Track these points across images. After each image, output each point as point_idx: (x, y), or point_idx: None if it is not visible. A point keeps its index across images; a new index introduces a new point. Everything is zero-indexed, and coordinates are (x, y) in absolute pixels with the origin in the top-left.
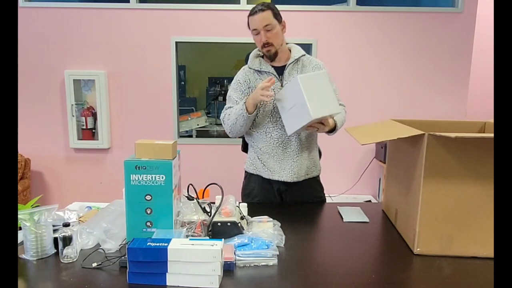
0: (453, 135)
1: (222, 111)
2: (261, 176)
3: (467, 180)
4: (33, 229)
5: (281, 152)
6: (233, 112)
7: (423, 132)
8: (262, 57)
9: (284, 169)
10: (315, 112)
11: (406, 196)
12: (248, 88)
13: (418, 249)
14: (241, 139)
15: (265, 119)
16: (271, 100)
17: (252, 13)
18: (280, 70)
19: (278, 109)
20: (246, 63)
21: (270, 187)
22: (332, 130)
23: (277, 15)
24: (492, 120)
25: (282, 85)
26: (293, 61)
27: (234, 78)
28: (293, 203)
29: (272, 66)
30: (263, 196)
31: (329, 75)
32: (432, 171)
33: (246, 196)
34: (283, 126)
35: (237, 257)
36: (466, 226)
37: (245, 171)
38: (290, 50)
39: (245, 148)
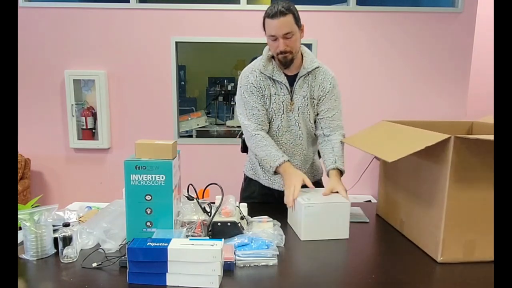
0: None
1: (246, 120)
2: (261, 183)
3: (491, 183)
4: (33, 229)
5: None
6: (263, 152)
7: (449, 136)
8: (273, 57)
9: None
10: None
11: (420, 202)
12: (263, 95)
13: (441, 258)
14: (240, 140)
15: (271, 131)
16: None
17: (272, 15)
18: (291, 80)
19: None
20: (251, 62)
21: (271, 192)
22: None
23: (298, 20)
24: (480, 119)
25: (292, 99)
26: (304, 74)
27: (243, 79)
28: None
29: (285, 75)
30: (263, 200)
31: (338, 92)
32: (458, 176)
33: (245, 198)
34: (289, 141)
35: (237, 257)
36: (489, 230)
37: (244, 174)
38: (302, 55)
39: (244, 149)
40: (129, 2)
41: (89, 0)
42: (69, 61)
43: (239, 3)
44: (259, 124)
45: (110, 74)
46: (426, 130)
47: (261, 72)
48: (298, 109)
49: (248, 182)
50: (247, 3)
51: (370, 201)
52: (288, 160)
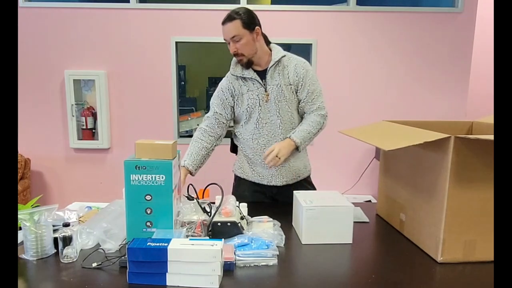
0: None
1: (204, 116)
2: (250, 180)
3: (491, 183)
4: (33, 229)
5: None
6: (191, 146)
7: (449, 136)
8: None
9: (273, 175)
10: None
11: (420, 202)
12: (231, 96)
13: (441, 257)
14: (229, 140)
15: (251, 125)
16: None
17: (222, 22)
18: (262, 74)
19: None
20: None
21: (261, 189)
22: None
23: (248, 24)
24: (480, 119)
25: (266, 90)
26: (273, 64)
27: (219, 83)
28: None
29: (255, 71)
30: (254, 198)
31: (314, 75)
32: (458, 176)
33: (236, 198)
34: (269, 132)
35: (237, 257)
36: (489, 230)
37: (234, 174)
38: (271, 51)
39: (233, 149)
40: (129, 2)
41: (89, 0)
42: (69, 61)
43: (239, 3)
44: (207, 126)
45: (110, 74)
46: (426, 130)
47: (232, 74)
48: (274, 98)
49: (238, 182)
50: (247, 3)
51: (370, 201)
52: (188, 169)
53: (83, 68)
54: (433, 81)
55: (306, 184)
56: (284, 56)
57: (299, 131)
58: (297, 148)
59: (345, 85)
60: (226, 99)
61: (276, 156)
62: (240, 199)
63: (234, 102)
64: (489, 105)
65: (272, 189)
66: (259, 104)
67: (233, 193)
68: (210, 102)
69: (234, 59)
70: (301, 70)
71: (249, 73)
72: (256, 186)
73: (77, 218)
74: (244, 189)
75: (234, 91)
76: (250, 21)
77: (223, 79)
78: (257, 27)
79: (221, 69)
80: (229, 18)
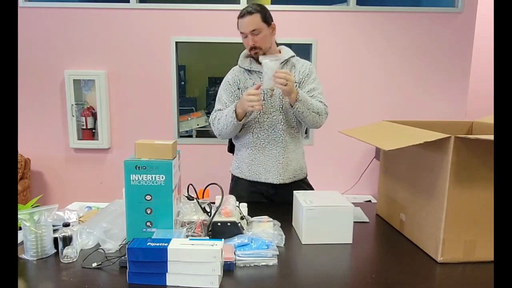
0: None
1: (212, 113)
2: (247, 179)
3: (491, 183)
4: (33, 229)
5: (267, 152)
6: (222, 118)
7: (449, 136)
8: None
9: (270, 171)
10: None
11: (420, 202)
12: (238, 89)
13: (441, 257)
14: (227, 140)
15: (253, 119)
16: (259, 108)
17: (241, 15)
18: None
19: None
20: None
21: (259, 190)
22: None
23: (266, 18)
24: (480, 119)
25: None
26: (282, 62)
27: (224, 78)
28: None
29: None
30: (250, 198)
31: (317, 77)
32: (458, 176)
33: None
34: (270, 127)
35: (237, 257)
36: (489, 230)
37: (232, 174)
38: (280, 52)
39: (231, 149)
40: (129, 2)
41: (89, 0)
42: (69, 61)
43: (239, 3)
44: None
45: (110, 74)
46: (426, 130)
47: (239, 67)
48: (279, 94)
49: (236, 182)
50: (247, 3)
51: (370, 201)
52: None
53: (83, 68)
54: (433, 81)
55: (303, 184)
56: (293, 56)
57: (306, 96)
58: (293, 104)
59: (345, 85)
60: (234, 91)
61: (286, 81)
62: (237, 199)
63: (240, 95)
64: (489, 105)
65: (269, 189)
66: (263, 98)
67: (230, 194)
68: (218, 96)
69: (244, 52)
70: (307, 70)
71: (258, 67)
72: (253, 187)
73: (77, 218)
74: (241, 189)
75: (239, 83)
76: (267, 15)
77: (229, 73)
78: (273, 22)
79: (221, 69)
80: (249, 12)
